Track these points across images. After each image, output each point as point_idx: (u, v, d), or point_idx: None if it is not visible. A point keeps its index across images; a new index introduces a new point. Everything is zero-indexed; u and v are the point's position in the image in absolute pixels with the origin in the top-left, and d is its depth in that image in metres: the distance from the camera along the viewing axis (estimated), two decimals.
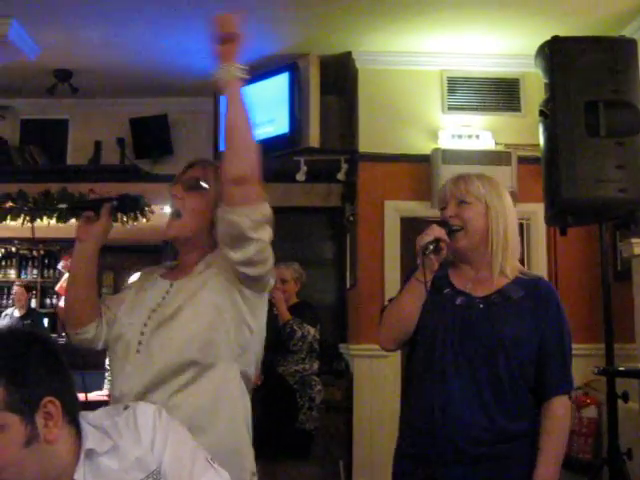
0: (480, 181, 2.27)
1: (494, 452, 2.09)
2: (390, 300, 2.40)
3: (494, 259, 2.21)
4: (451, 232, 2.21)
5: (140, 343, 1.92)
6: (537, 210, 5.00)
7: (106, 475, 1.43)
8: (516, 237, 2.28)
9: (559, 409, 2.14)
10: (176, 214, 2.03)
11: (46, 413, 1.38)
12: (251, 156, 1.85)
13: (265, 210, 1.87)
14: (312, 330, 4.61)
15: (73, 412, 1.45)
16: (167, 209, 6.79)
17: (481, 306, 2.19)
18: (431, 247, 2.14)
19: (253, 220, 1.83)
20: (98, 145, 6.63)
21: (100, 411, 1.54)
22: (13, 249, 8.61)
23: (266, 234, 1.89)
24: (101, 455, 1.44)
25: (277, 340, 4.52)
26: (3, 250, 8.52)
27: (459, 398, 2.10)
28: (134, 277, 6.13)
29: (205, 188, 2.01)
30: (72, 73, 6.05)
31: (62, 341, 7.02)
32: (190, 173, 2.06)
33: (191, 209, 2.00)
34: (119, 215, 2.19)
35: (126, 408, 1.52)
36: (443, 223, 2.24)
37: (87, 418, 1.49)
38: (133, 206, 2.13)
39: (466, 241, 2.23)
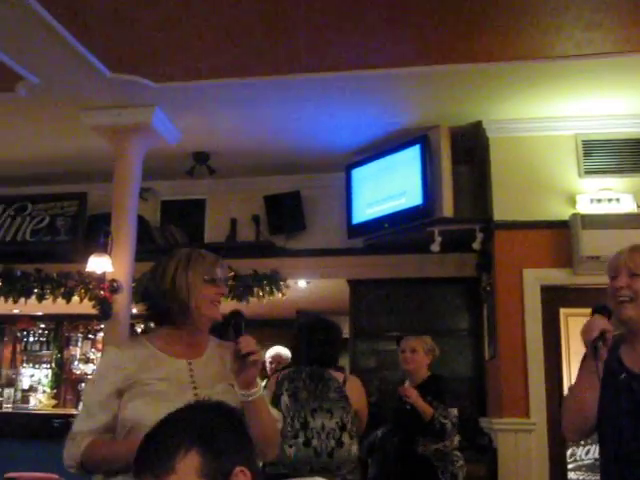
0: None
1: None
2: (570, 389, 2.41)
3: None
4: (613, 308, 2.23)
5: None
6: None
7: None
8: None
9: None
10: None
11: None
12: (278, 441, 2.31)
13: None
14: (455, 411, 4.47)
15: None
16: (301, 283, 6.95)
17: None
18: (600, 343, 2.14)
19: None
20: (234, 222, 6.89)
21: None
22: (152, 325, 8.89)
23: None
24: None
25: (411, 420, 4.39)
26: (143, 326, 8.82)
27: None
28: (270, 352, 6.19)
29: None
30: (209, 155, 6.35)
31: None
32: (225, 272, 2.29)
33: None
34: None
35: None
36: (603, 308, 2.24)
37: None
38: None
39: (635, 312, 2.23)
